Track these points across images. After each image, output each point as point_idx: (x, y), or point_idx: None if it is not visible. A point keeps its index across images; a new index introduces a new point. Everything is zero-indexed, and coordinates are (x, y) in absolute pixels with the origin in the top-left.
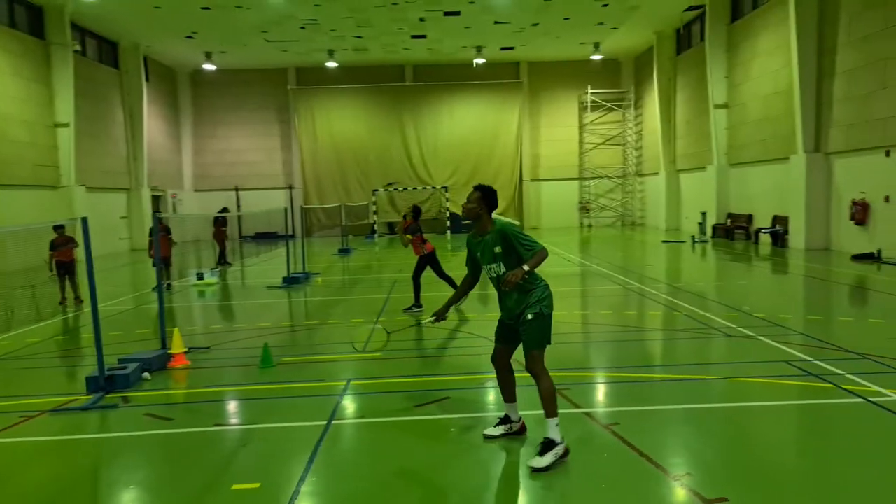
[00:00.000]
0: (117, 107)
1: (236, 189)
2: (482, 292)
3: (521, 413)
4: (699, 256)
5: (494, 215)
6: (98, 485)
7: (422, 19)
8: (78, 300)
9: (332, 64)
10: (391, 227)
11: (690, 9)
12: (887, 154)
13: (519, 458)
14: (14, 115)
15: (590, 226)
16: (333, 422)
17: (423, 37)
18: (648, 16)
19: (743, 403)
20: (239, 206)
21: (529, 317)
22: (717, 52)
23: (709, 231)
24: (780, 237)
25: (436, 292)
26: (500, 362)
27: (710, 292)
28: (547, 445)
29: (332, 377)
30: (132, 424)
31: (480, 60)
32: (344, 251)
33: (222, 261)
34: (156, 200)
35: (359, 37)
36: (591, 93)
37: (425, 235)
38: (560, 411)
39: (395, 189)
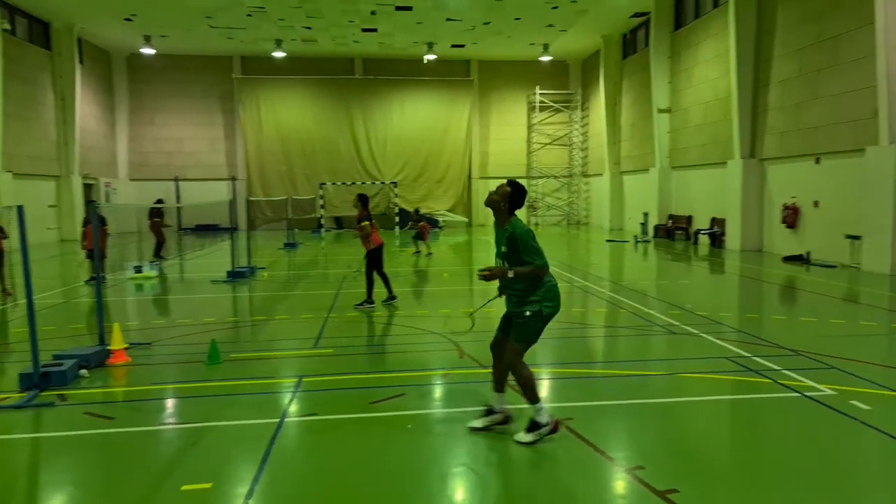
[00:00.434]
0: (48, 90)
1: (176, 179)
2: (432, 289)
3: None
4: (642, 256)
5: (515, 215)
6: (34, 487)
7: (373, 13)
8: (6, 293)
9: (279, 54)
10: (339, 221)
11: (636, 15)
12: (817, 161)
13: (478, 452)
14: None
15: (537, 224)
16: (286, 419)
17: (374, 30)
18: (596, 20)
19: (687, 398)
20: (178, 197)
21: (528, 313)
22: (660, 59)
23: (651, 231)
24: (717, 238)
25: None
26: (498, 350)
27: (652, 290)
28: (533, 426)
29: (283, 374)
30: (70, 423)
31: (431, 57)
32: (290, 245)
33: (158, 254)
34: (88, 189)
35: (308, 27)
36: (540, 93)
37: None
38: (514, 407)
39: (343, 184)
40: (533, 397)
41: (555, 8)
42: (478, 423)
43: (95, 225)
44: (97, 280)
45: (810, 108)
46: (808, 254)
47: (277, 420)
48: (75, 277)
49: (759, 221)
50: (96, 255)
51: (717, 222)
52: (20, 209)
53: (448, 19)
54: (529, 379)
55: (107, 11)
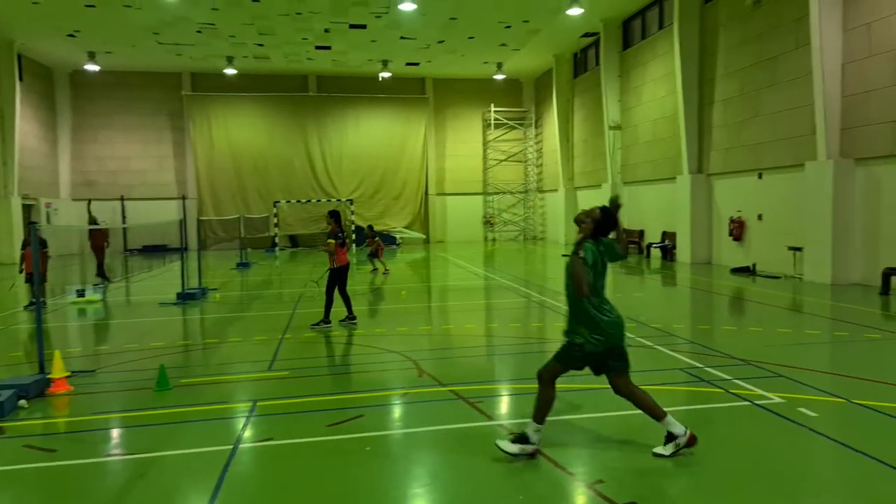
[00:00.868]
0: None
1: (122, 199)
2: (390, 307)
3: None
4: None
5: (586, 244)
6: None
7: (327, 30)
8: None
9: (231, 71)
10: (293, 239)
11: (586, 35)
12: (760, 176)
13: (438, 472)
14: None
15: (494, 240)
16: (240, 446)
17: (328, 48)
18: (548, 40)
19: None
20: (124, 217)
21: (578, 341)
22: (610, 77)
23: None
24: (668, 251)
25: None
26: (623, 391)
27: None
28: (520, 438)
29: (237, 398)
30: (8, 457)
31: (386, 74)
32: (243, 265)
33: (100, 275)
34: (28, 210)
35: (260, 44)
36: (495, 111)
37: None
38: (473, 424)
39: (298, 201)
40: (538, 417)
41: (508, 27)
42: (663, 451)
43: (35, 247)
44: (37, 305)
45: (752, 125)
46: (754, 265)
47: (231, 447)
48: (14, 303)
49: (708, 235)
50: (36, 279)
51: (668, 236)
52: None
53: (402, 37)
54: (547, 401)
55: (49, 27)
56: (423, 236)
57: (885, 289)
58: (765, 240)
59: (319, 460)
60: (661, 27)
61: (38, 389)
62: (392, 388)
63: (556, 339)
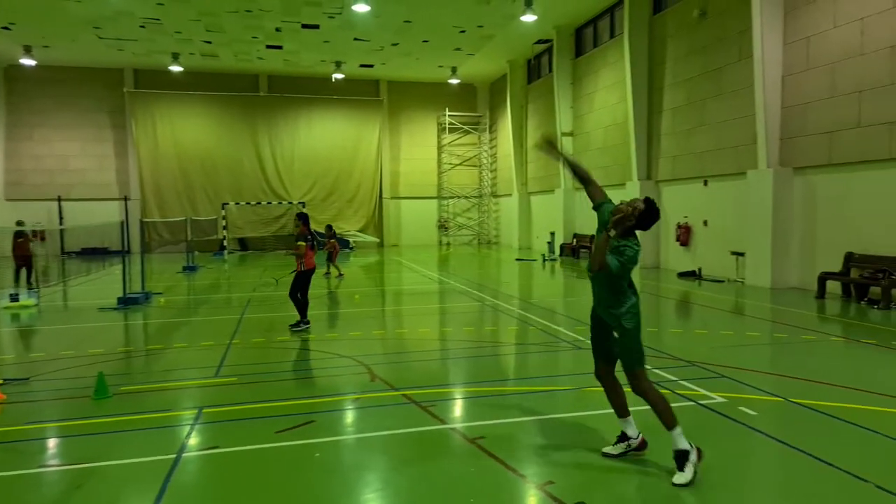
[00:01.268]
0: None
1: (59, 199)
2: (343, 311)
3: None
4: (549, 274)
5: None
6: None
7: (278, 29)
8: None
9: (176, 68)
10: (243, 242)
11: (539, 42)
12: (705, 184)
13: (389, 479)
14: None
15: (448, 244)
16: (184, 454)
17: (280, 47)
18: (502, 45)
19: (593, 412)
20: (61, 219)
21: (616, 335)
22: (563, 84)
23: (557, 250)
24: None
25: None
26: (605, 381)
27: (559, 307)
28: (680, 454)
29: (181, 406)
30: None
31: (339, 76)
32: (189, 268)
33: (28, 280)
34: None
35: (208, 42)
36: (449, 115)
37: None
38: (425, 428)
39: (248, 204)
40: (670, 422)
41: (462, 32)
42: (612, 451)
43: None
44: None
45: (698, 133)
46: (699, 270)
47: (174, 456)
48: None
49: (657, 239)
50: None
51: None
52: None
53: (356, 39)
54: (661, 403)
55: None
56: (377, 240)
57: (821, 292)
58: (710, 245)
59: (267, 468)
60: (612, 36)
61: None
62: (344, 393)
63: (508, 343)
